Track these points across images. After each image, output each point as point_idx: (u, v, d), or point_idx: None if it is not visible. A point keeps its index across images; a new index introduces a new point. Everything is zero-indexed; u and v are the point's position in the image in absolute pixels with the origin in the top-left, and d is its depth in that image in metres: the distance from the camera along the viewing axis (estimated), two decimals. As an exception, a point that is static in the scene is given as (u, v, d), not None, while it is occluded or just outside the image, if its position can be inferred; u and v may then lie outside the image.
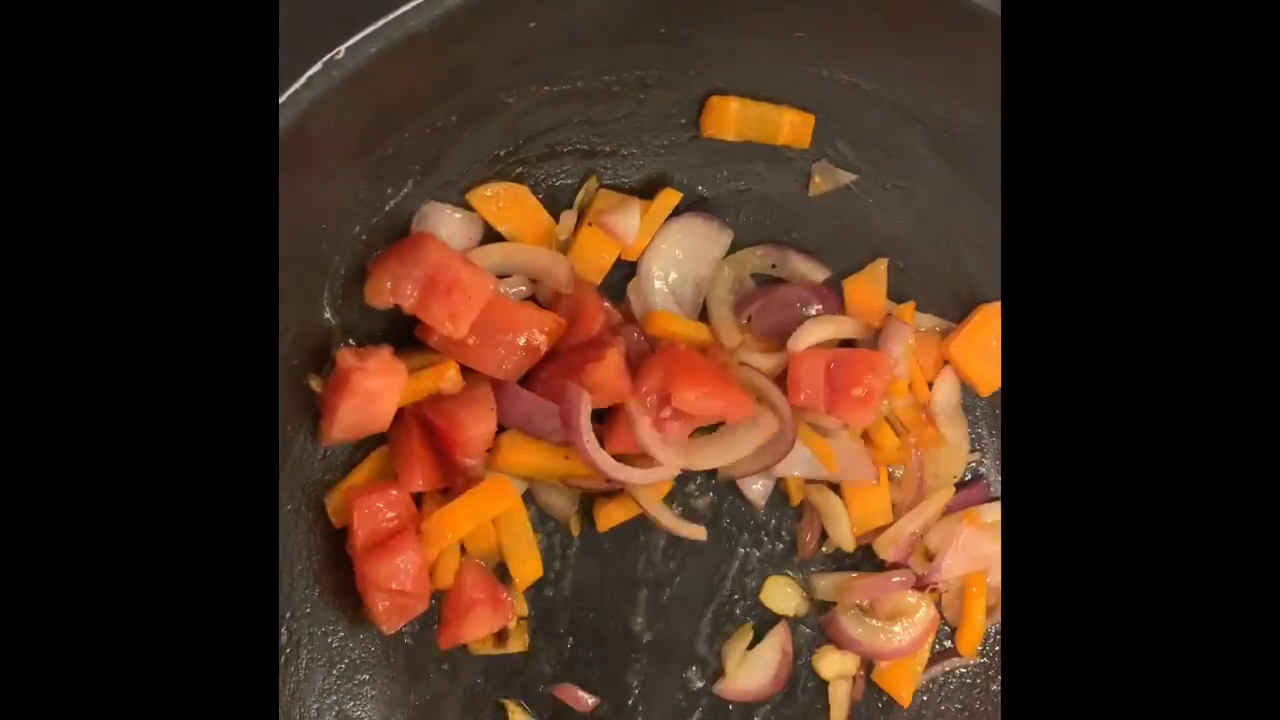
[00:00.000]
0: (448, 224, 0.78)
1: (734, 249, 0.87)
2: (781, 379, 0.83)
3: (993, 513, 0.90)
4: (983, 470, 0.92)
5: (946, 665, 0.91)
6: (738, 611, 0.89)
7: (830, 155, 0.86)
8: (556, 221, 0.82)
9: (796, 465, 0.85)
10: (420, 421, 0.79)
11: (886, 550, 0.88)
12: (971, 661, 0.91)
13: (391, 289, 0.74)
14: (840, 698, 0.89)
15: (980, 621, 0.89)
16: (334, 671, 0.83)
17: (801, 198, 0.87)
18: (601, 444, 0.78)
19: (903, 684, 0.89)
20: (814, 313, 0.86)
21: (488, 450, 0.78)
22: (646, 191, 0.85)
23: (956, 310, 0.90)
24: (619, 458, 0.79)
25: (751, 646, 0.89)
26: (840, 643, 0.89)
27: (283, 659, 0.79)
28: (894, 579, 0.87)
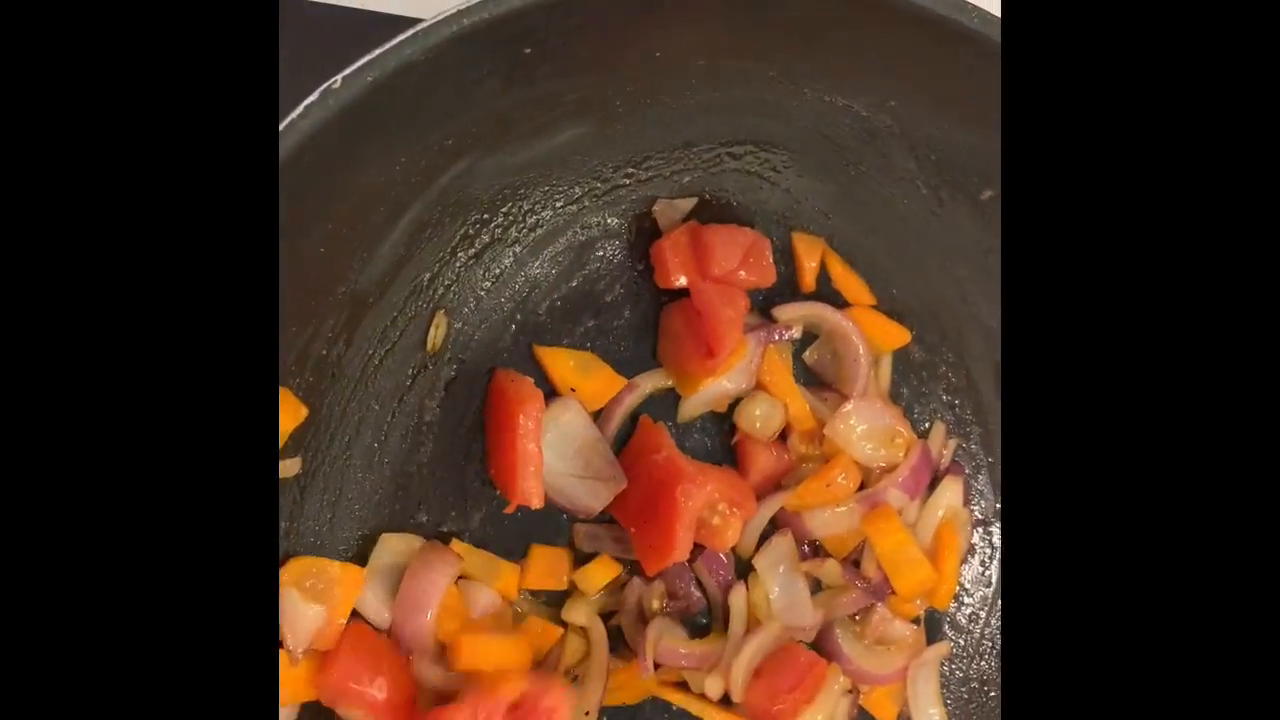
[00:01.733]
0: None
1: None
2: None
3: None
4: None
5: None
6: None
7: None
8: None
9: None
10: None
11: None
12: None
13: None
14: (840, 713, 0.89)
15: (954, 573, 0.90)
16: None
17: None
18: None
19: (886, 708, 0.90)
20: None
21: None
22: (642, 204, 0.86)
23: (952, 328, 0.91)
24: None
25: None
26: (831, 657, 0.89)
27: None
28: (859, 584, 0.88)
